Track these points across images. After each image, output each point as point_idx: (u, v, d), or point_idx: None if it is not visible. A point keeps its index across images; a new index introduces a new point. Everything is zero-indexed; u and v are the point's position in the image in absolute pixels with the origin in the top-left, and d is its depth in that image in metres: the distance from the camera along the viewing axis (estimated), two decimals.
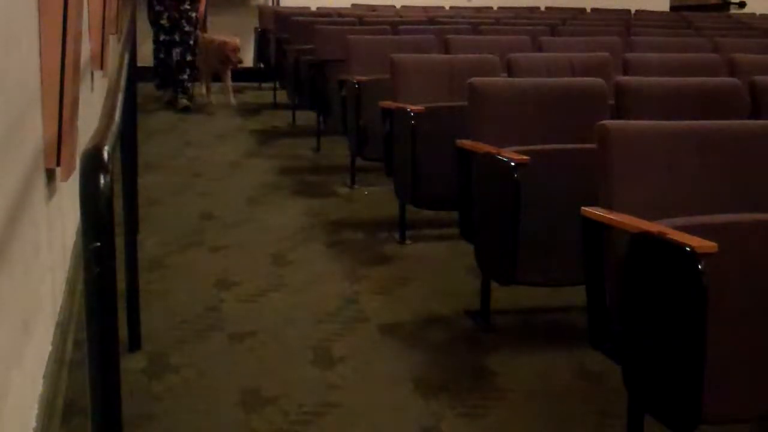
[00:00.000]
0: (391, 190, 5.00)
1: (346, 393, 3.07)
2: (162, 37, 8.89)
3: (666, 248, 2.37)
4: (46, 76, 2.71)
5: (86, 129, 3.62)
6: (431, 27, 7.68)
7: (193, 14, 8.88)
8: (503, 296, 3.83)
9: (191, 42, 8.89)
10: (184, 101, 8.91)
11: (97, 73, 4.98)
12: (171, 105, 8.99)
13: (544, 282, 3.55)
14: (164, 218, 5.16)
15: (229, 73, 9.32)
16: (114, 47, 5.84)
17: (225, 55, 9.04)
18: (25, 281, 2.36)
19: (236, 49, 9.06)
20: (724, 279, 2.29)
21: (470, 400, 3.05)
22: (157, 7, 8.82)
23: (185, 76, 8.90)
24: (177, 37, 8.81)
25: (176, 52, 8.82)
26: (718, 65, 5.25)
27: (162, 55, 8.97)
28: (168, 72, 9.00)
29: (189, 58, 8.87)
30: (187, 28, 8.83)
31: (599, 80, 4.05)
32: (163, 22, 8.82)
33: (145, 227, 4.64)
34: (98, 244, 1.41)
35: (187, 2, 8.80)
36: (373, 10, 10.44)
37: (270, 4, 11.54)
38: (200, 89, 9.40)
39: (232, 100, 9.38)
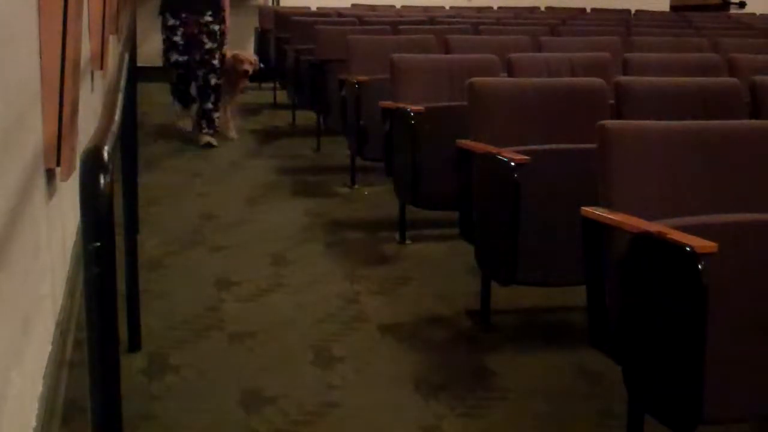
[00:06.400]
0: (391, 190, 5.00)
1: (346, 393, 3.07)
2: (175, 58, 7.09)
3: (666, 248, 2.37)
4: (46, 76, 2.70)
5: (86, 129, 3.62)
6: (431, 27, 7.68)
7: (217, 27, 7.01)
8: (503, 296, 3.83)
9: (215, 62, 7.04)
10: (206, 138, 7.09)
11: (97, 73, 4.98)
12: (192, 140, 7.25)
13: (544, 282, 3.55)
14: (164, 218, 5.16)
15: (236, 97, 7.73)
16: (114, 47, 5.84)
17: (237, 70, 7.34)
18: (25, 281, 2.35)
19: (249, 62, 7.40)
20: (724, 279, 2.29)
21: (470, 400, 3.05)
22: (171, 21, 7.02)
23: (210, 105, 7.06)
24: (197, 57, 6.99)
25: (198, 76, 7.04)
26: (718, 65, 5.25)
27: (182, 86, 7.31)
28: (188, 99, 7.42)
29: (214, 81, 7.02)
30: (208, 45, 6.96)
31: (599, 80, 4.05)
32: (177, 39, 7.03)
33: (145, 227, 4.64)
34: (98, 244, 1.42)
35: (209, 13, 6.95)
36: (373, 10, 10.44)
37: (270, 4, 11.54)
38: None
39: (233, 133, 7.55)
